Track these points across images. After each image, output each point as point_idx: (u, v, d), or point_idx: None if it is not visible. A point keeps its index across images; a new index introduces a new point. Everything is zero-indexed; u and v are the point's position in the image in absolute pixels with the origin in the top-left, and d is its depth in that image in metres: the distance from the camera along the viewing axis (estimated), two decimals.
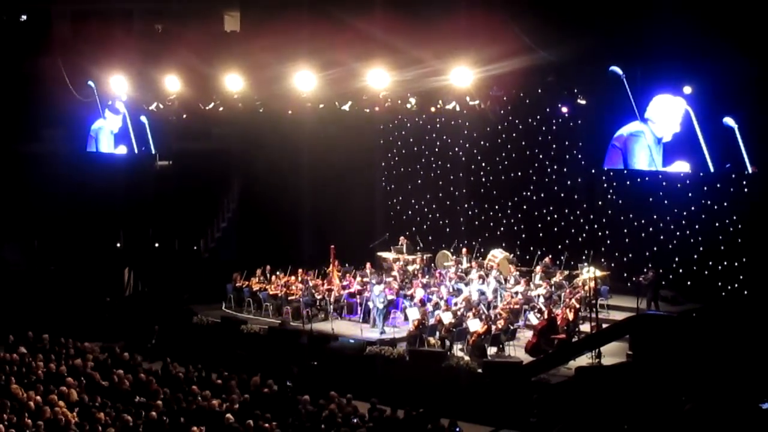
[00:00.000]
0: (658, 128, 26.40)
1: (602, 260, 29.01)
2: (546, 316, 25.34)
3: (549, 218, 31.38)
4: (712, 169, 25.79)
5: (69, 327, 27.96)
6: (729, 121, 25.02)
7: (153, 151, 35.52)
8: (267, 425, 18.72)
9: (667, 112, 25.94)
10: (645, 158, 26.87)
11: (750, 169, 25.15)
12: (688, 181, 27.61)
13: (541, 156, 31.47)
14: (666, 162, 26.71)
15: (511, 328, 25.51)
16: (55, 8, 36.78)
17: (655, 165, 26.84)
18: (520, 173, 32.01)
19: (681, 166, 26.55)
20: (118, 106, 35.31)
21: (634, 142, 26.78)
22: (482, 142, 32.68)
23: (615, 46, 25.50)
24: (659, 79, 25.84)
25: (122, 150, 36.10)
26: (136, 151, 35.69)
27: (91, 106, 35.42)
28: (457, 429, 19.65)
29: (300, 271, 30.29)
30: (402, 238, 32.09)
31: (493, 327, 25.00)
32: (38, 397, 19.97)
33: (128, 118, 35.57)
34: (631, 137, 26.83)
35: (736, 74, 24.01)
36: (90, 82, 34.65)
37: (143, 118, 35.12)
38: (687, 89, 25.39)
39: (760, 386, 21.04)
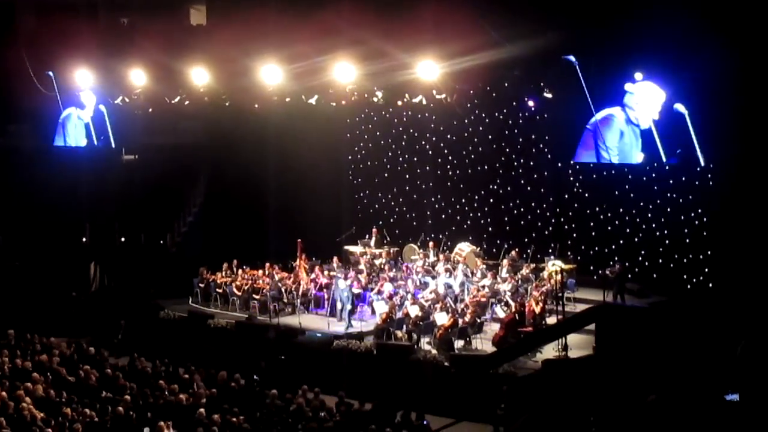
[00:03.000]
0: (635, 114, 26.07)
1: (569, 253, 29.17)
2: (514, 309, 25.45)
3: (516, 212, 31.47)
4: (664, 159, 25.83)
5: (35, 322, 27.73)
6: (680, 107, 25.07)
7: (112, 143, 35.28)
8: (234, 419, 18.71)
9: (645, 99, 25.66)
10: (615, 140, 26.65)
11: (701, 160, 25.17)
12: (653, 175, 27.74)
13: (507, 150, 31.54)
14: (646, 149, 26.25)
15: (478, 321, 25.60)
16: (19, 1, 36.43)
17: (629, 150, 26.56)
18: (486, 167, 32.05)
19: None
20: (87, 96, 35.01)
21: (605, 124, 26.64)
22: (449, 136, 32.72)
23: (580, 39, 25.55)
24: (619, 69, 25.88)
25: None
26: (95, 142, 35.43)
27: (54, 99, 35.17)
28: (425, 422, 19.70)
29: (267, 265, 30.23)
30: (375, 230, 32.13)
31: (460, 320, 25.08)
32: (4, 393, 19.84)
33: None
34: (604, 120, 26.62)
35: (691, 63, 24.12)
36: (49, 72, 34.40)
37: (102, 108, 34.91)
38: (638, 75, 25.47)
39: (724, 378, 21.20)
